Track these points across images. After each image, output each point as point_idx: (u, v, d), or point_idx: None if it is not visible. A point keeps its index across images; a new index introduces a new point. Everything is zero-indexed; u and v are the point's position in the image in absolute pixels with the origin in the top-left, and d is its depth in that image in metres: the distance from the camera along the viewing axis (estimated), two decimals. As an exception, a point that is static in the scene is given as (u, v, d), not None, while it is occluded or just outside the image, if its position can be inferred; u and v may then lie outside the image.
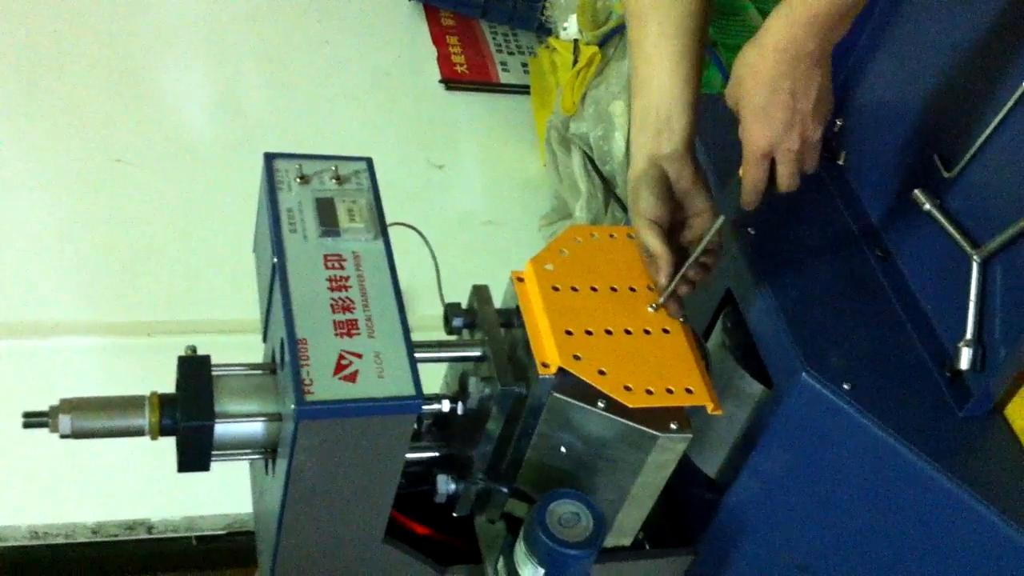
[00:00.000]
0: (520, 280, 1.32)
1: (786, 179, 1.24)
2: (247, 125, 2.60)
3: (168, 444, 1.22)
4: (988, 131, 1.24)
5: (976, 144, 1.26)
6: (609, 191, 2.40)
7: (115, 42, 2.70)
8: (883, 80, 1.46)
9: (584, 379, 1.21)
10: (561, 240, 1.36)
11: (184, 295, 2.15)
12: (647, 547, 1.52)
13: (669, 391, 1.23)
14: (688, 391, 1.25)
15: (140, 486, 1.81)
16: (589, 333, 1.24)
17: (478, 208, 2.65)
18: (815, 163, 1.24)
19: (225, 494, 1.80)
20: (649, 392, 1.22)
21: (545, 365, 1.22)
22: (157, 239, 2.24)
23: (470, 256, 2.03)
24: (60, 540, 1.77)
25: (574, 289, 1.30)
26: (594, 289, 1.31)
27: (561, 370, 1.22)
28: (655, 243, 1.25)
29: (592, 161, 2.43)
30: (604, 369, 1.22)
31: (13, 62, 2.54)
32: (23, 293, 2.06)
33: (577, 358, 1.22)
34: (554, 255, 1.33)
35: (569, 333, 1.25)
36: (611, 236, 1.39)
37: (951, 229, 1.29)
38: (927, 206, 1.32)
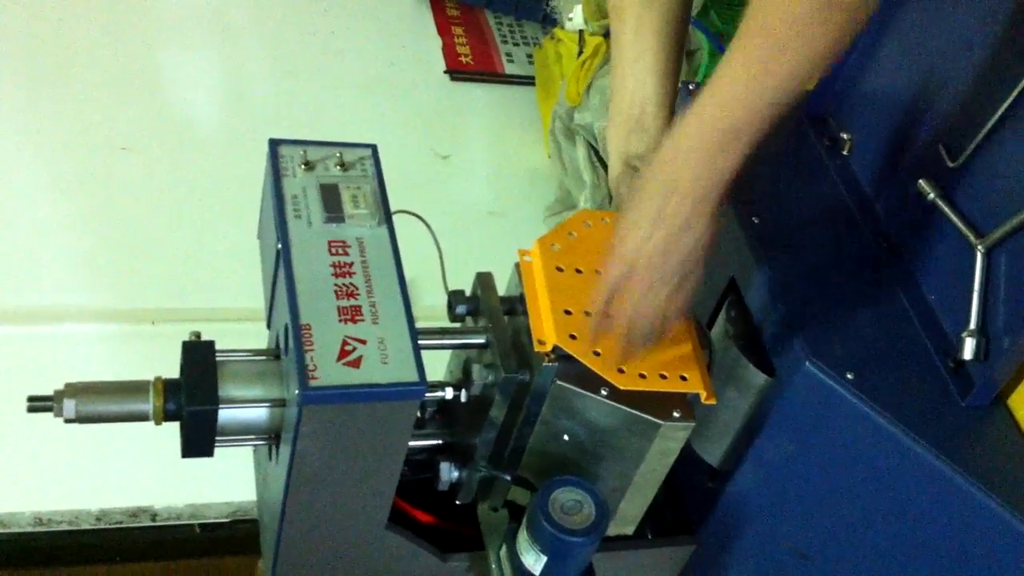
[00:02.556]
0: (527, 259, 1.32)
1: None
2: (252, 114, 2.61)
3: (172, 432, 1.22)
4: (993, 121, 1.23)
5: (981, 134, 1.25)
6: (613, 182, 2.40)
7: (121, 31, 2.71)
8: (888, 70, 1.46)
9: (578, 358, 1.21)
10: (571, 223, 1.37)
11: (188, 283, 2.15)
12: (650, 536, 1.52)
13: (663, 376, 1.23)
14: (683, 378, 1.25)
15: (144, 473, 1.82)
16: (587, 314, 1.25)
17: (483, 198, 2.66)
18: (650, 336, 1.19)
19: (229, 482, 1.81)
20: (642, 376, 1.22)
21: (541, 342, 1.23)
22: (162, 227, 2.25)
23: (474, 246, 2.03)
24: (64, 527, 1.78)
25: (578, 271, 1.30)
26: (598, 272, 1.31)
27: (563, 357, 1.22)
28: None
29: (596, 151, 2.43)
30: (599, 350, 1.22)
31: (20, 51, 2.54)
32: (28, 280, 2.07)
33: (573, 337, 1.22)
34: (562, 236, 1.34)
35: (568, 312, 1.25)
36: None
37: (955, 219, 1.29)
38: (931, 196, 1.32)
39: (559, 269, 1.29)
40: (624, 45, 1.26)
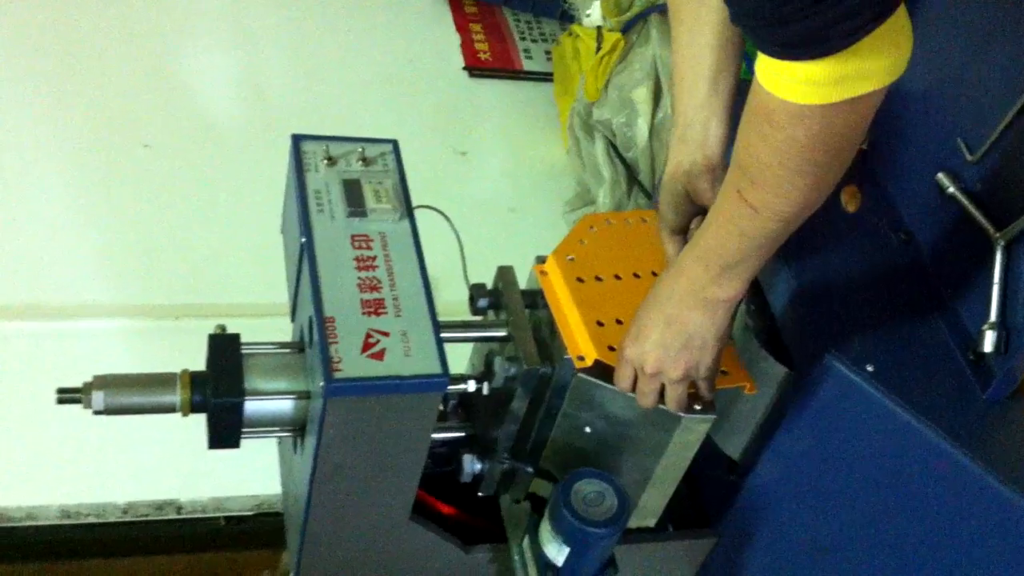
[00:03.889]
0: (543, 273, 1.32)
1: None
2: (272, 112, 2.62)
3: (197, 425, 1.24)
4: (1012, 114, 1.24)
5: (1000, 128, 1.26)
6: (632, 177, 2.40)
7: (143, 29, 2.72)
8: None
9: None
10: (578, 230, 1.37)
11: (211, 279, 2.17)
12: (671, 529, 1.53)
13: None
14: (723, 372, 1.26)
15: (170, 467, 1.83)
16: (619, 322, 1.25)
17: (502, 195, 2.66)
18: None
19: (253, 475, 1.82)
20: None
21: (581, 358, 1.23)
22: (185, 223, 2.26)
23: (494, 242, 2.03)
24: (91, 519, 1.80)
25: (598, 279, 1.31)
26: (618, 277, 1.31)
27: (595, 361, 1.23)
28: (671, 251, 1.25)
29: (615, 147, 2.43)
30: None
31: (42, 49, 2.56)
32: (53, 276, 2.09)
33: (612, 349, 1.22)
34: (574, 245, 1.34)
35: (600, 324, 1.25)
36: (626, 222, 1.40)
37: (975, 212, 1.29)
38: (950, 189, 1.33)
39: (579, 280, 1.30)
40: (680, 47, 1.21)
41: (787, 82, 0.88)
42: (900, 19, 0.87)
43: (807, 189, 0.97)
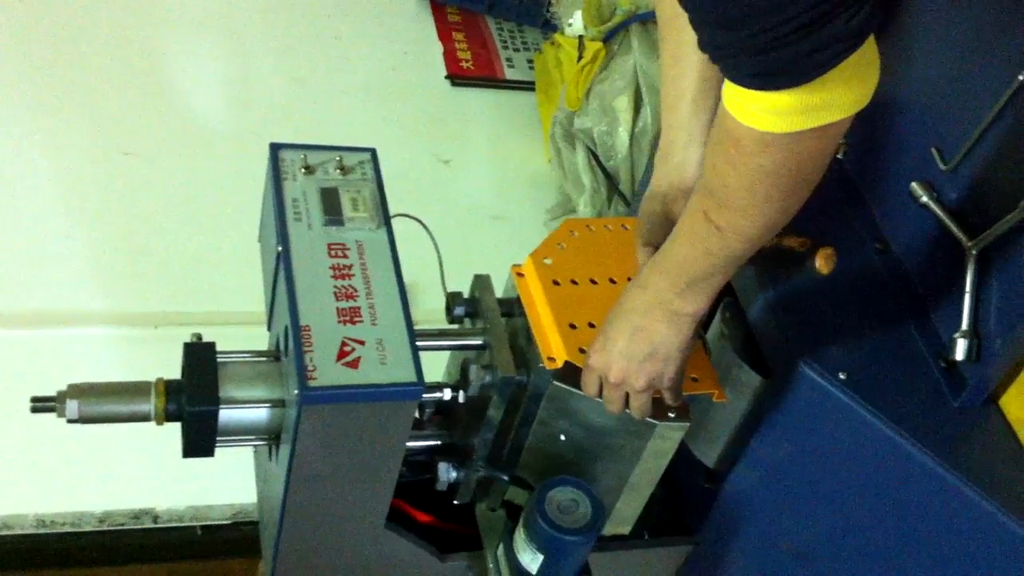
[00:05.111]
0: (520, 275, 1.33)
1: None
2: (255, 119, 2.62)
3: (174, 434, 1.23)
4: (984, 125, 1.25)
5: (972, 137, 1.27)
6: (613, 186, 2.41)
7: (125, 35, 2.72)
8: (881, 73, 1.47)
9: None
10: (558, 234, 1.37)
11: (191, 287, 2.17)
12: (647, 537, 1.53)
13: None
14: (693, 379, 1.27)
15: (146, 476, 1.83)
16: (592, 326, 1.26)
17: (484, 203, 2.67)
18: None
19: (230, 484, 1.82)
20: None
21: (552, 359, 1.24)
22: (165, 231, 2.26)
23: (476, 250, 2.03)
24: (67, 529, 1.79)
25: (574, 282, 1.31)
26: (594, 282, 1.32)
27: (565, 363, 1.23)
28: (644, 263, 1.25)
29: (596, 156, 2.44)
30: None
31: (24, 55, 2.56)
32: (33, 284, 2.08)
33: (583, 351, 1.23)
34: (552, 249, 1.35)
35: (573, 327, 1.26)
36: (606, 228, 1.40)
37: (948, 221, 1.30)
38: (924, 198, 1.34)
39: (555, 283, 1.30)
40: (665, 69, 1.22)
41: (754, 110, 0.90)
42: (868, 51, 0.88)
43: (772, 213, 0.99)
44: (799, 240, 1.29)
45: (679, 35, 1.17)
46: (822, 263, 1.27)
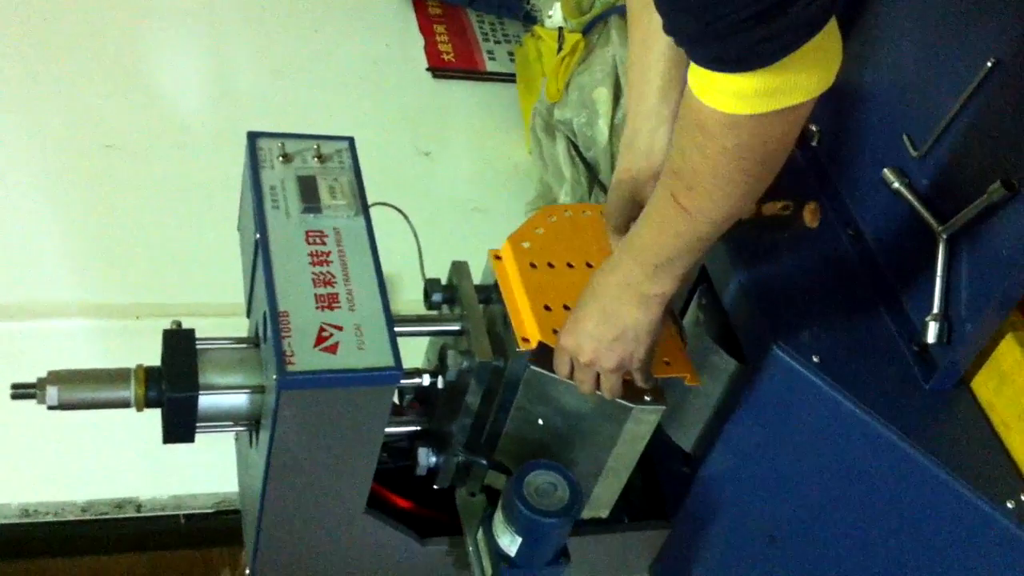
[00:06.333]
0: (498, 258, 1.35)
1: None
2: (236, 112, 2.62)
3: (156, 424, 1.24)
4: (953, 111, 1.27)
5: (942, 125, 1.29)
6: (593, 177, 2.42)
7: (106, 28, 2.72)
8: (852, 62, 1.48)
9: None
10: (536, 219, 1.39)
11: (173, 278, 2.16)
12: (626, 520, 1.55)
13: None
14: (666, 363, 1.28)
15: (129, 465, 1.83)
16: (567, 308, 1.27)
17: (465, 194, 2.67)
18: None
19: (213, 473, 1.81)
20: None
21: (526, 340, 1.25)
22: (146, 223, 2.26)
23: (457, 241, 2.03)
24: (50, 518, 1.79)
25: (551, 266, 1.33)
26: (570, 265, 1.33)
27: (540, 344, 1.25)
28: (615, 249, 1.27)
29: (576, 147, 2.45)
30: None
31: (3, 48, 2.55)
32: (13, 276, 2.08)
33: (556, 332, 1.24)
34: (530, 233, 1.36)
35: (548, 308, 1.28)
36: (584, 213, 1.42)
37: (919, 207, 1.32)
38: (896, 184, 1.35)
39: (532, 266, 1.32)
40: (633, 56, 1.23)
41: (718, 93, 0.91)
42: (830, 34, 0.89)
43: (738, 195, 1.00)
44: (781, 204, 1.31)
45: (648, 20, 1.18)
46: (810, 217, 1.30)
